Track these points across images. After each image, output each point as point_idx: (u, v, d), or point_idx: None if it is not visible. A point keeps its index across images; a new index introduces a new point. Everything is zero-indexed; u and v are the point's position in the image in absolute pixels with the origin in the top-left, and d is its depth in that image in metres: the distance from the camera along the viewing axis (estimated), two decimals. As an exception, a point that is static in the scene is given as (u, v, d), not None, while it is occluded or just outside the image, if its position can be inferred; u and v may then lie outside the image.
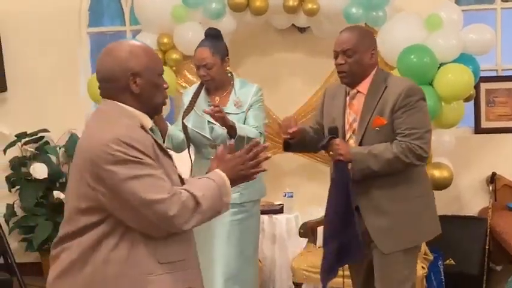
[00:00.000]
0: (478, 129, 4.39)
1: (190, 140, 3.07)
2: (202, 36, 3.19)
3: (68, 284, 1.71)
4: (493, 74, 4.37)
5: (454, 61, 3.75)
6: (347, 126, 2.54)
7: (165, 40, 4.10)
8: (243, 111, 3.13)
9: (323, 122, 2.65)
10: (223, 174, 1.70)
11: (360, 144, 2.46)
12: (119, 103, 1.73)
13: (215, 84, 3.12)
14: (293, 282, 3.47)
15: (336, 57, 2.49)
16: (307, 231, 3.78)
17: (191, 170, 3.21)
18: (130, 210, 1.61)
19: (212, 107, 2.93)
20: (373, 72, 2.50)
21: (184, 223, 1.61)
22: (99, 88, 1.79)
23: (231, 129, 2.92)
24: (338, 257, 2.51)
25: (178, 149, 3.10)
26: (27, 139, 4.44)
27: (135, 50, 1.75)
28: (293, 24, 4.18)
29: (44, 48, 4.61)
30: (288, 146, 2.61)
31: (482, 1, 4.55)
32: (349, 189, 2.45)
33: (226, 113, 3.06)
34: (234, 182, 1.73)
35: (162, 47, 4.13)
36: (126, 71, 1.71)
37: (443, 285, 3.90)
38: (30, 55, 4.64)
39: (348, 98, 2.54)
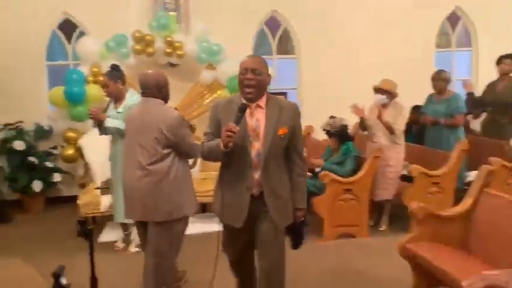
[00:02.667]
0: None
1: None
2: (120, 68, 4.01)
3: (163, 185, 2.89)
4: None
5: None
6: (250, 132, 2.54)
7: (95, 69, 5.51)
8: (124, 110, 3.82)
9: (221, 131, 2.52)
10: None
11: (267, 147, 2.54)
12: (159, 100, 2.93)
13: (113, 97, 3.97)
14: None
15: (244, 74, 2.47)
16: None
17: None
18: (184, 149, 2.93)
19: (92, 109, 3.64)
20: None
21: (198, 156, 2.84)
22: (144, 93, 2.96)
23: (101, 123, 3.73)
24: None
25: (107, 134, 3.97)
26: (10, 127, 5.70)
27: (162, 74, 2.98)
28: (169, 62, 5.62)
29: (20, 69, 5.67)
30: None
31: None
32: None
33: (118, 112, 3.81)
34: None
35: (92, 74, 5.50)
36: (159, 84, 2.94)
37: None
38: (12, 72, 5.61)
39: (248, 109, 2.52)
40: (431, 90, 5.60)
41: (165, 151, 2.91)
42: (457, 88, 6.06)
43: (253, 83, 2.46)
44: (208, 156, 2.61)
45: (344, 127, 5.01)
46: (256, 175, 2.56)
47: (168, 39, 5.61)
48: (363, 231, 5.02)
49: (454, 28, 7.60)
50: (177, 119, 2.92)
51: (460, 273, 3.12)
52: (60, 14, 6.06)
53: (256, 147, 2.54)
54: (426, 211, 3.66)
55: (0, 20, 5.78)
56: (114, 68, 4.00)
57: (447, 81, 5.48)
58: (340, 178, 4.85)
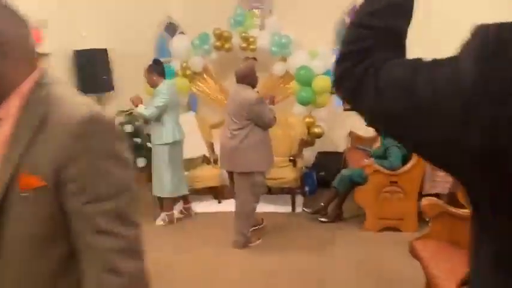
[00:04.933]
0: (344, 108, 6.02)
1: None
2: (158, 62, 4.40)
3: (242, 145, 3.79)
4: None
5: (323, 74, 5.57)
6: None
7: (184, 64, 5.85)
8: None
9: None
10: None
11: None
12: (246, 85, 3.80)
13: (151, 86, 4.49)
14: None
15: None
16: None
17: None
18: (259, 122, 3.83)
19: (131, 98, 4.27)
20: (29, 86, 0.99)
21: None
22: (237, 81, 3.87)
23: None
24: None
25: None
26: (124, 113, 6.48)
27: (249, 67, 3.92)
28: (246, 57, 5.72)
29: (133, 65, 6.07)
30: None
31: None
32: None
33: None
34: None
35: (182, 69, 5.89)
36: (245, 75, 3.87)
37: (316, 185, 5.71)
38: (126, 69, 6.09)
39: None
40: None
41: (245, 122, 3.78)
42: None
43: None
44: None
45: None
46: None
47: (243, 34, 5.68)
48: (409, 225, 4.53)
49: None
50: (254, 101, 3.75)
51: (449, 279, 2.65)
52: (165, 17, 6.59)
53: None
54: (439, 208, 3.26)
55: (114, 25, 6.46)
56: (154, 62, 4.40)
57: None
58: (383, 169, 4.47)
